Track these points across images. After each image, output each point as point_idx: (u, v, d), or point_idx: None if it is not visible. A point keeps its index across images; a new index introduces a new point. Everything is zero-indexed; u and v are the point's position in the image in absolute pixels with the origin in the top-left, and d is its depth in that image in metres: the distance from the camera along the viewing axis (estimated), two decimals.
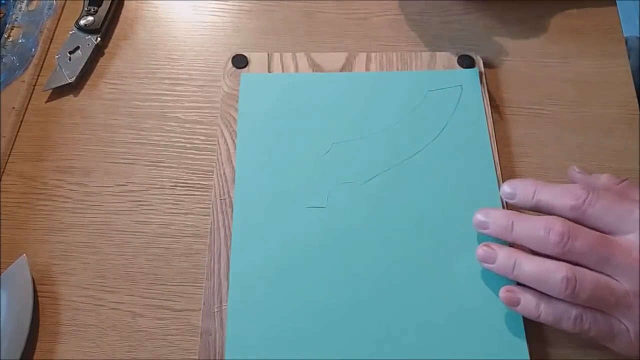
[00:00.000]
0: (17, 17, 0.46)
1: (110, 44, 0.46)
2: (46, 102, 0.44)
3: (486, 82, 0.42)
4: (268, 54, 0.44)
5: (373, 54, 0.44)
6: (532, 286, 0.30)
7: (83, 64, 0.44)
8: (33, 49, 0.45)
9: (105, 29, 0.46)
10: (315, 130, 0.40)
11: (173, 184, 0.40)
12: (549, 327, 0.32)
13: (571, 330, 0.29)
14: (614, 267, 0.28)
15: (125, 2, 0.48)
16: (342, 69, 0.43)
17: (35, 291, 0.36)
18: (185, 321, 0.36)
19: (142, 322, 0.36)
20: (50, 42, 0.46)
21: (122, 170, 0.41)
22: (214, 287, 0.35)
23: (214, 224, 0.37)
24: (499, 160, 0.39)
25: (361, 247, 0.36)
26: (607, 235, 0.29)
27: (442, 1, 0.48)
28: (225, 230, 0.37)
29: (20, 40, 0.45)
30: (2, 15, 0.47)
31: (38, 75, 0.45)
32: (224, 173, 0.39)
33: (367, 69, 0.43)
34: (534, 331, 0.34)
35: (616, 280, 0.28)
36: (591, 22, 0.46)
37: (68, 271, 0.37)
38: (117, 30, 0.47)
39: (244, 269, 0.35)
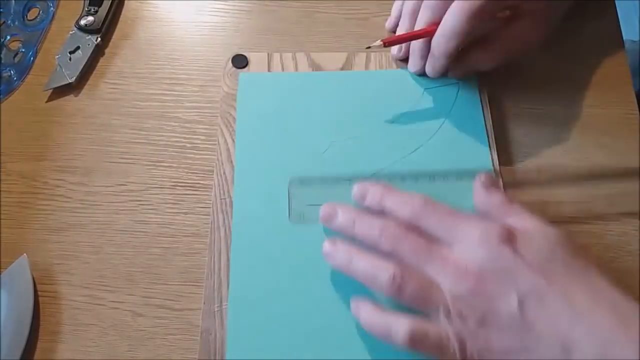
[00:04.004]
0: (16, 27, 0.47)
1: (110, 44, 0.46)
2: (46, 102, 0.44)
3: (485, 81, 0.42)
4: (268, 54, 0.44)
5: (373, 54, 0.44)
6: (363, 283, 0.33)
7: (83, 64, 0.44)
8: (32, 59, 0.45)
9: (105, 29, 0.46)
10: (314, 128, 0.40)
11: (173, 184, 0.40)
12: None
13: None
14: (431, 270, 0.31)
15: (126, 2, 0.48)
16: (342, 69, 0.43)
17: (35, 291, 0.36)
18: (186, 320, 0.36)
19: (142, 321, 0.36)
20: (50, 42, 0.46)
21: (123, 170, 0.41)
22: (214, 286, 0.35)
23: (214, 224, 0.37)
24: (499, 160, 0.39)
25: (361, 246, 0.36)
26: (433, 243, 0.32)
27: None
28: (225, 229, 0.37)
29: (21, 50, 0.45)
30: (0, 23, 0.47)
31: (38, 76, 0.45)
32: (224, 173, 0.39)
33: (367, 68, 0.43)
34: None
35: (437, 282, 0.31)
36: (591, 22, 0.46)
37: (68, 271, 0.37)
38: (117, 30, 0.47)
39: (244, 269, 0.35)
